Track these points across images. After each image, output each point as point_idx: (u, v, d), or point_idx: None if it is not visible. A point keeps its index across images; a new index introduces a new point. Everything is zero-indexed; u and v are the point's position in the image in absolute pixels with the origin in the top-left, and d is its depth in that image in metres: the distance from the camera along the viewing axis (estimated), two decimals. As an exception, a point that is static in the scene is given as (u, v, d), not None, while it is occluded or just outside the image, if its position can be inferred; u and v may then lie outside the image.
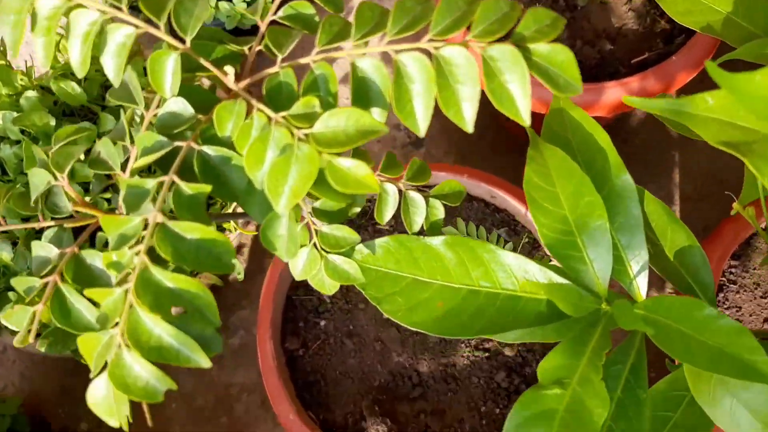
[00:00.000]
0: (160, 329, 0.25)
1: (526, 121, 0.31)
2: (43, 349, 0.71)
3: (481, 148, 0.96)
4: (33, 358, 0.95)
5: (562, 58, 0.31)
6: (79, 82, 0.85)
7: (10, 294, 0.74)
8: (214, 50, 0.34)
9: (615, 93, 0.72)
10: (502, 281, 0.41)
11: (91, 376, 0.26)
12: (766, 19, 0.50)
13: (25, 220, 0.77)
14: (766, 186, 0.39)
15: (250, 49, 0.35)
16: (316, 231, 0.39)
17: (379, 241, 0.42)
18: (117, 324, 0.26)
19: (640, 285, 0.44)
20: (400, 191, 0.41)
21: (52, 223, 0.32)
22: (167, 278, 0.26)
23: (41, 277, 0.30)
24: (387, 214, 0.41)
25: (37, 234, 0.79)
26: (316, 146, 0.28)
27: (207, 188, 0.29)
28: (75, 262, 0.30)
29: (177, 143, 0.30)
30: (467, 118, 0.30)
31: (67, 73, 0.88)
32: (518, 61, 0.29)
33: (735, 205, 0.47)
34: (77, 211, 0.32)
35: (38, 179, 0.31)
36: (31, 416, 0.90)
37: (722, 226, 0.73)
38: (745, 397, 0.41)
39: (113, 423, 0.26)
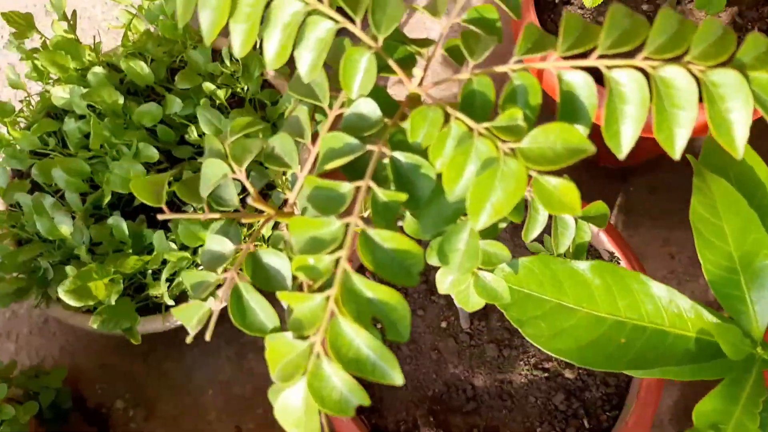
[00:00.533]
0: (359, 340, 0.24)
1: (739, 153, 0.28)
2: (95, 326, 0.69)
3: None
4: (75, 332, 0.92)
5: (778, 88, 0.29)
6: (146, 62, 0.83)
7: (68, 268, 0.72)
8: (396, 50, 0.32)
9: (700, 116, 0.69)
10: (651, 314, 0.39)
11: (276, 383, 0.25)
12: None
13: (85, 194, 0.76)
14: None
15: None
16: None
17: (522, 261, 0.40)
18: (313, 333, 0.24)
19: (788, 331, 0.41)
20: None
21: (217, 215, 0.31)
22: (367, 287, 0.25)
23: (216, 273, 0.28)
24: (534, 233, 0.39)
25: (95, 213, 0.77)
26: (524, 163, 0.27)
27: (403, 196, 0.27)
28: (252, 260, 0.28)
29: (369, 147, 0.28)
30: (677, 145, 0.28)
31: (136, 52, 0.86)
32: (742, 89, 0.27)
33: None
34: (246, 206, 0.31)
35: (212, 171, 0.30)
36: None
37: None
38: None
39: (297, 437, 0.25)
